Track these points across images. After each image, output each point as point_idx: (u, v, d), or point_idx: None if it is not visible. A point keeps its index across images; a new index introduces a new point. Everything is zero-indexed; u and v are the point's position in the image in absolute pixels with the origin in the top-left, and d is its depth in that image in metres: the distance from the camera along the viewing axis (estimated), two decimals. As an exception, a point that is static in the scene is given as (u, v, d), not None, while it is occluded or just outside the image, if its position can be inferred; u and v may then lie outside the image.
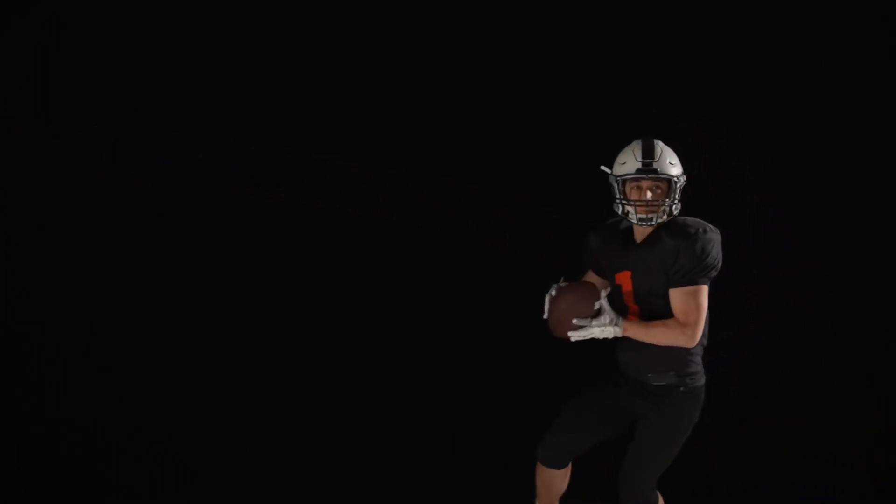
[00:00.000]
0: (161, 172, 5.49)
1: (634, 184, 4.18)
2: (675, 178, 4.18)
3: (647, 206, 4.15)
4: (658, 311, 4.19)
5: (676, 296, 4.14)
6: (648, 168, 4.16)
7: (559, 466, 4.41)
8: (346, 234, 5.57)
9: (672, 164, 4.19)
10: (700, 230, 4.15)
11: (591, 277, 4.44)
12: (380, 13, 5.49)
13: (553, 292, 4.18)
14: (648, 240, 4.20)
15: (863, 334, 5.49)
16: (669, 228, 4.18)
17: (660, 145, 4.20)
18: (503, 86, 5.51)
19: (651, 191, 4.17)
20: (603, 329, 4.11)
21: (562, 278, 4.25)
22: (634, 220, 4.17)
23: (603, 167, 4.26)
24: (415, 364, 5.58)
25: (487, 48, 5.50)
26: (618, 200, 4.20)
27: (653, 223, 4.16)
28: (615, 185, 4.20)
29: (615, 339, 4.22)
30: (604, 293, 4.15)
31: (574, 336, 4.13)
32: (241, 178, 5.53)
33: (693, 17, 5.46)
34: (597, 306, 4.12)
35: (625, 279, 4.24)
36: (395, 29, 5.51)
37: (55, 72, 5.47)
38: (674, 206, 4.19)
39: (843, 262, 5.48)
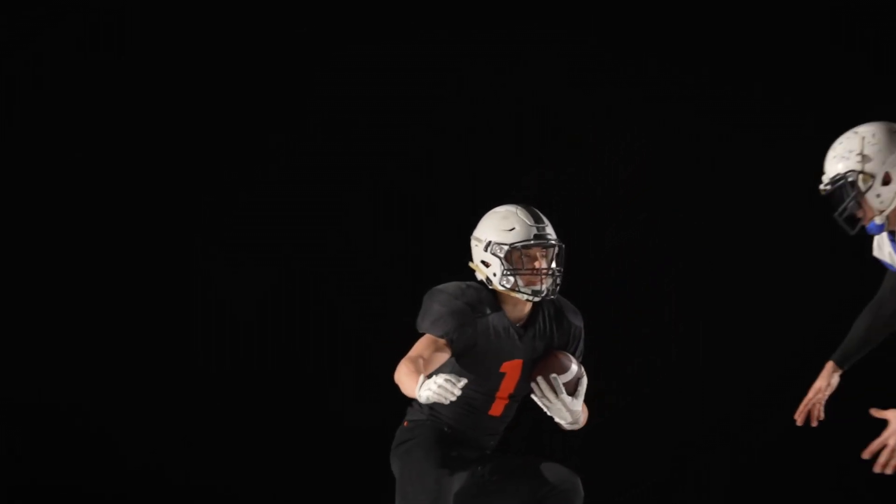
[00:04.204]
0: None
1: (524, 252, 3.64)
2: (562, 246, 3.73)
3: (548, 275, 3.63)
4: (520, 402, 3.79)
5: None
6: (543, 233, 3.67)
7: None
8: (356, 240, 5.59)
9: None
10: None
11: (434, 358, 3.62)
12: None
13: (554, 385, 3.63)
14: (531, 323, 3.71)
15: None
16: (553, 307, 3.74)
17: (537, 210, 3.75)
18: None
19: (544, 259, 3.66)
20: (565, 412, 3.58)
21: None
22: (527, 294, 3.63)
23: (475, 241, 3.71)
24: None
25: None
26: (506, 272, 3.62)
27: (546, 295, 3.64)
28: (498, 256, 3.64)
29: (470, 407, 3.69)
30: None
31: (540, 393, 3.61)
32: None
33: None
34: (578, 374, 3.64)
35: (513, 368, 3.69)
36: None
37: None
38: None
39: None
